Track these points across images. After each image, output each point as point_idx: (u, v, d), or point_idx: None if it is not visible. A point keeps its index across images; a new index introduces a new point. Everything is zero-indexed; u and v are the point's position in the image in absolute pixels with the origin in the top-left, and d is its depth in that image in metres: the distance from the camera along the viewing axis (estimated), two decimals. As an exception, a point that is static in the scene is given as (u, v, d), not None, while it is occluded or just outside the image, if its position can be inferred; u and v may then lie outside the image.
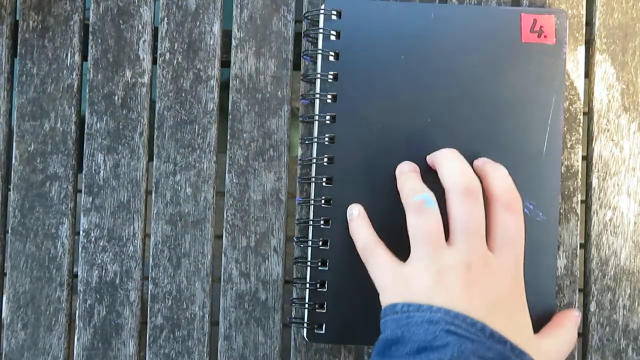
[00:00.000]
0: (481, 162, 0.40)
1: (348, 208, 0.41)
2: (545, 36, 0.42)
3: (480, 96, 0.42)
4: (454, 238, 0.36)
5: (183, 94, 0.45)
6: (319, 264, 0.42)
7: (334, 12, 0.42)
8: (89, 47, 0.45)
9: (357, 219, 0.40)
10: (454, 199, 0.36)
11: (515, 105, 0.41)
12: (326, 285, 0.42)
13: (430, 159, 0.40)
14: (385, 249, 0.38)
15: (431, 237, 0.36)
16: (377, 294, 0.38)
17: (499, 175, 0.38)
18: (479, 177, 0.38)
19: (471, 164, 0.41)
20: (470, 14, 0.42)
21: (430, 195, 0.37)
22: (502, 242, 0.37)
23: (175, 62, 0.45)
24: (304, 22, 0.44)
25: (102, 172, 0.44)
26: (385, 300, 0.37)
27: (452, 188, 0.37)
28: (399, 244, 0.38)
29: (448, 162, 0.38)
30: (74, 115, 0.45)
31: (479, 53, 0.42)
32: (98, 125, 0.45)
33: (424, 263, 0.36)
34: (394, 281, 0.37)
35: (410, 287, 0.36)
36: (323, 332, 0.42)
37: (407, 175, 0.39)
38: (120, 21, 0.45)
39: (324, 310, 0.42)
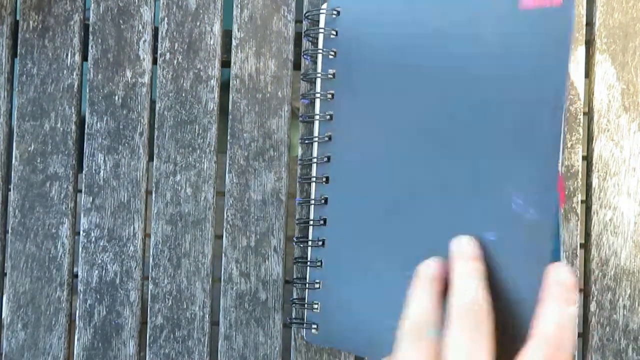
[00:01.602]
0: None
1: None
2: None
3: (482, 91, 0.40)
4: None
5: (183, 94, 0.45)
6: (319, 263, 0.42)
7: (335, 12, 0.42)
8: (89, 47, 0.45)
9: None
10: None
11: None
12: (321, 285, 0.41)
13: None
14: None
15: None
16: (370, 300, 0.39)
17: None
18: None
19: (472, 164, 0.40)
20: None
21: (436, 330, 0.33)
22: None
23: (175, 62, 0.45)
24: (304, 22, 0.44)
25: (102, 172, 0.44)
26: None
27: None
28: (393, 244, 0.38)
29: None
30: (74, 115, 0.45)
31: (478, 40, 0.37)
32: (98, 125, 0.45)
33: None
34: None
35: None
36: (316, 332, 0.42)
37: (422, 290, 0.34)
38: (121, 21, 0.45)
39: (318, 311, 0.41)
